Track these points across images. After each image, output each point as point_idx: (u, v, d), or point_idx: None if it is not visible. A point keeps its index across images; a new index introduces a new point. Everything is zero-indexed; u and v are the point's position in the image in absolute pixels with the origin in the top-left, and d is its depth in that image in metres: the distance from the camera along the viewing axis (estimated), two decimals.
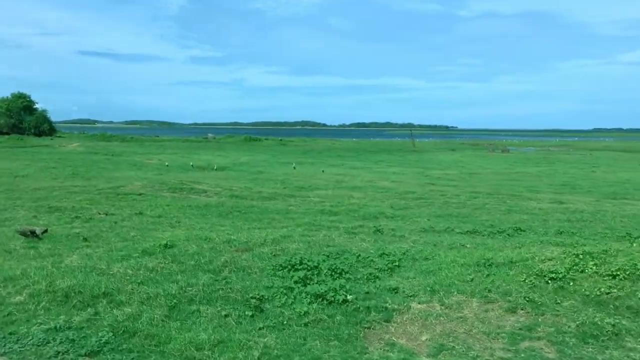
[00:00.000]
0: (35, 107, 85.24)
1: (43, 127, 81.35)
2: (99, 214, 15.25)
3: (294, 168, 36.97)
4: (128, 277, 8.40)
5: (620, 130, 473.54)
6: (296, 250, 10.40)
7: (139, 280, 8.23)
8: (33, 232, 11.48)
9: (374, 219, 15.18)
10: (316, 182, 27.17)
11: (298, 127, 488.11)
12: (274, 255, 10.08)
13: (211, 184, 23.33)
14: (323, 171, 34.71)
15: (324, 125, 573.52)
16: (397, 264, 9.09)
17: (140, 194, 19.44)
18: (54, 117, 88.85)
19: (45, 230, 11.91)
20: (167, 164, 37.19)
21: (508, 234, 12.21)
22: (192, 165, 36.60)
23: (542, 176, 34.24)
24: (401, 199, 20.15)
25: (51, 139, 71.73)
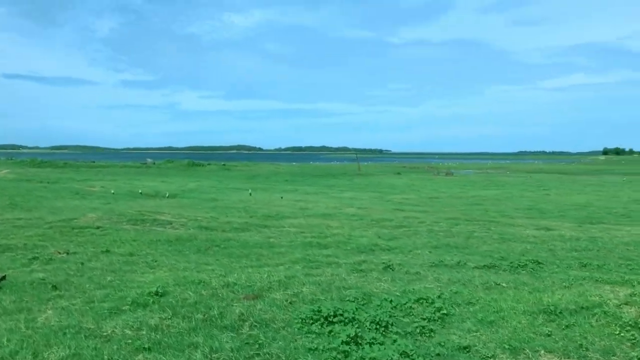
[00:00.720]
0: None
1: None
2: (59, 253, 13.30)
3: (250, 194, 35.34)
4: (130, 342, 6.76)
5: (543, 152, 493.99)
6: (312, 296, 9.00)
7: (146, 346, 6.60)
8: None
9: (370, 252, 13.93)
10: (280, 209, 25.72)
11: (234, 151, 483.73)
12: (290, 302, 8.64)
13: (173, 214, 21.48)
14: (282, 197, 33.26)
15: (260, 149, 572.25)
16: (444, 311, 7.82)
17: (98, 228, 17.46)
18: None
19: (3, 277, 10.03)
20: (112, 191, 34.79)
21: (532, 269, 11.17)
22: (140, 193, 34.36)
23: (501, 199, 34.00)
24: (382, 228, 19.02)
25: None
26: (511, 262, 11.89)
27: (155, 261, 12.62)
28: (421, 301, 8.36)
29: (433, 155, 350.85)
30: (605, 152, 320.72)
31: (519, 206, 29.16)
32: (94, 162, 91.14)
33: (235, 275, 10.61)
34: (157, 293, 9.00)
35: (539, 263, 11.73)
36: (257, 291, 9.51)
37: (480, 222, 20.77)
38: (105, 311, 8.17)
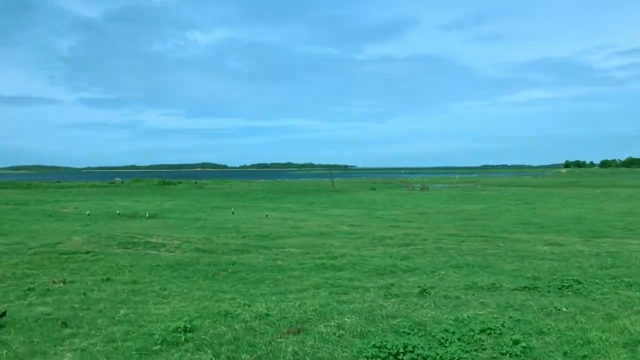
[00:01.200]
0: None
1: None
2: (54, 282, 12.09)
3: (233, 213, 34.22)
4: None
5: (505, 166, 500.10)
6: (360, 327, 8.10)
7: None
8: None
9: (391, 274, 13.12)
10: (272, 228, 24.72)
11: (199, 169, 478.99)
12: (339, 336, 7.73)
13: (163, 235, 20.29)
14: (267, 216, 32.23)
15: (225, 166, 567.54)
16: (522, 344, 7.00)
17: (88, 253, 16.23)
18: None
19: (3, 313, 8.87)
20: (87, 212, 33.22)
21: (577, 290, 10.46)
22: (118, 214, 32.88)
23: (490, 214, 33.61)
24: (387, 247, 18.23)
25: None
26: (549, 283, 11.21)
27: (164, 290, 11.56)
28: (488, 332, 7.53)
29: (399, 170, 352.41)
30: (567, 164, 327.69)
31: (513, 221, 28.70)
32: (59, 182, 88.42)
33: (262, 304, 9.67)
34: (185, 329, 8.01)
35: (580, 282, 11.05)
36: (294, 323, 8.57)
37: (483, 237, 20.15)
38: (134, 352, 7.16)
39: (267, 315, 8.85)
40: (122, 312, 9.51)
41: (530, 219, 29.22)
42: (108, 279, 12.50)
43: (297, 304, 9.50)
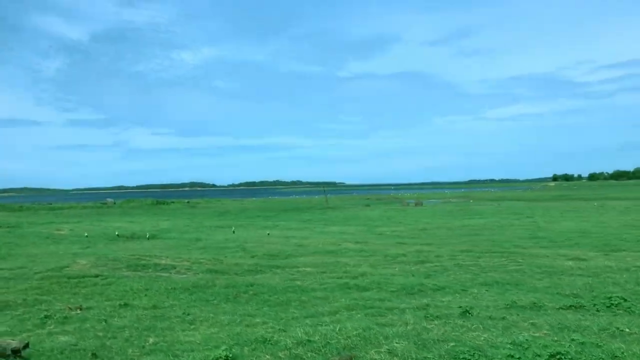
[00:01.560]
0: None
1: None
2: (71, 309, 11.48)
3: (233, 232, 33.62)
4: None
5: (493, 180, 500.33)
6: (415, 354, 7.63)
7: None
8: (16, 352, 7.80)
9: (421, 293, 12.63)
10: (278, 247, 24.16)
11: (187, 189, 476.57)
12: None
13: (171, 257, 19.69)
14: (269, 234, 31.64)
15: (214, 185, 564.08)
16: None
17: (97, 276, 15.62)
18: None
19: (26, 345, 8.25)
20: (86, 234, 32.47)
21: (627, 308, 10.04)
22: (117, 235, 32.13)
23: (494, 228, 33.23)
24: (404, 264, 17.75)
25: None
26: (593, 301, 10.79)
27: (188, 314, 10.99)
28: (558, 357, 7.05)
29: (388, 186, 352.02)
30: (555, 178, 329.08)
31: (519, 235, 28.31)
32: (50, 203, 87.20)
33: (299, 329, 9.15)
34: (227, 358, 7.47)
35: (626, 300, 10.64)
36: (341, 349, 8.05)
37: (499, 253, 19.72)
38: None
39: (309, 341, 8.33)
40: (150, 340, 8.94)
41: (536, 233, 28.84)
42: (126, 304, 11.91)
43: (337, 329, 8.99)
